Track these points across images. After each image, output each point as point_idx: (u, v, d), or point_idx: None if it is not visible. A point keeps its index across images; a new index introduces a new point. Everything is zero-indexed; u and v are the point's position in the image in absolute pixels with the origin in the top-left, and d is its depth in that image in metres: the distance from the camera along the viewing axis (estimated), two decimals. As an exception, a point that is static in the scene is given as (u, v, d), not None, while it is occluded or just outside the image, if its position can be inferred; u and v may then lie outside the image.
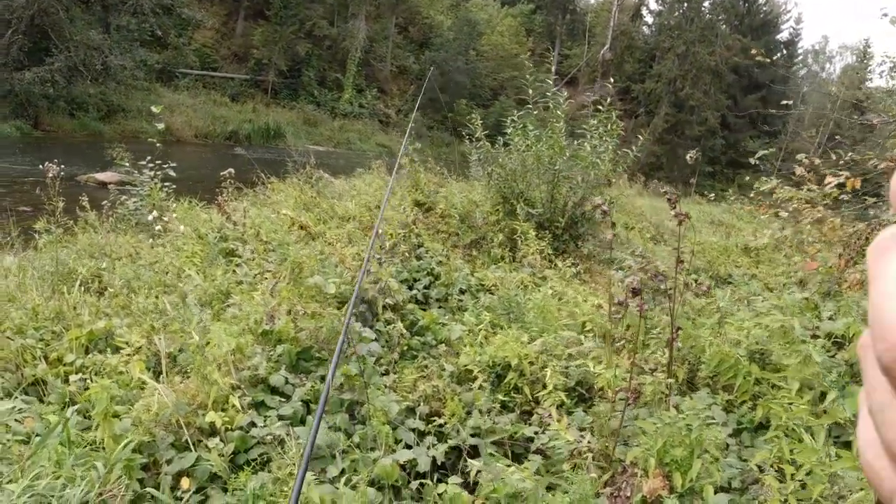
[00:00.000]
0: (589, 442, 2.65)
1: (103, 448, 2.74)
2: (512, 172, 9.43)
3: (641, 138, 9.62)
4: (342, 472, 2.70)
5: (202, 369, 3.02)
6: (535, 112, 9.84)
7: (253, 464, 2.74)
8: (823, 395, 3.42)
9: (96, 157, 17.44)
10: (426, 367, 4.15)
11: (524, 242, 7.43)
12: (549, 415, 3.31)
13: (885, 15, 9.22)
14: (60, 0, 23.80)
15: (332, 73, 40.50)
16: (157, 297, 4.48)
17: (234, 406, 2.91)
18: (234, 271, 4.76)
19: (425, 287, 5.79)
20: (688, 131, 43.62)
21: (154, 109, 8.15)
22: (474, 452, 3.24)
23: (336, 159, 28.59)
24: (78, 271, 5.12)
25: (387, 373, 3.99)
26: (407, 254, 6.15)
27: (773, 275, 10.02)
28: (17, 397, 3.57)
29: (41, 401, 3.63)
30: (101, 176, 17.02)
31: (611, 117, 9.37)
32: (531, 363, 3.74)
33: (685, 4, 47.30)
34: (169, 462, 2.73)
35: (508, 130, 9.68)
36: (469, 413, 3.43)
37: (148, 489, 2.61)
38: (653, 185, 28.39)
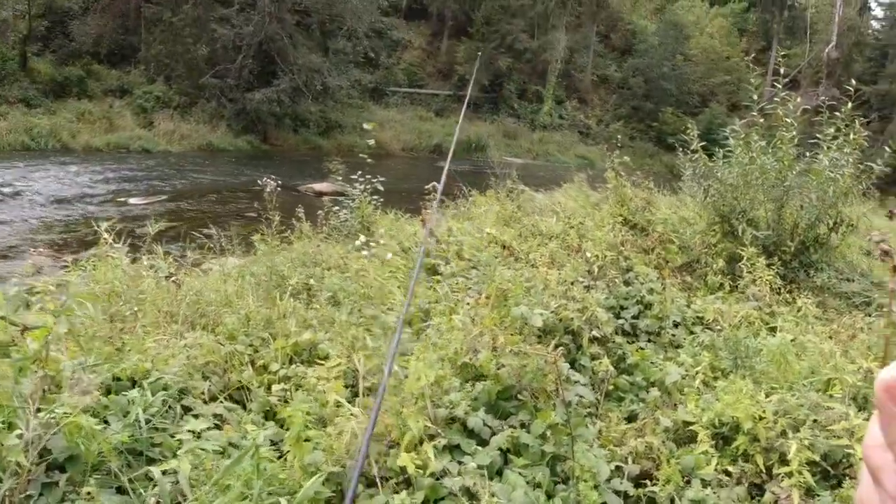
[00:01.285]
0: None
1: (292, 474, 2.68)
2: (732, 188, 8.46)
3: (889, 149, 8.16)
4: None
5: (397, 406, 2.87)
6: (759, 119, 8.76)
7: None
8: None
9: (316, 168, 18.96)
10: (636, 414, 3.67)
11: (749, 270, 6.56)
12: (788, 496, 2.70)
13: None
14: (284, 27, 26.50)
15: (532, 86, 40.62)
16: (359, 310, 4.48)
17: (427, 451, 2.71)
18: (434, 289, 4.64)
19: (634, 317, 5.26)
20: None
21: (366, 126, 8.52)
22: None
23: (535, 171, 28.46)
24: (289, 279, 5.34)
25: (590, 415, 3.59)
26: (615, 279, 5.66)
27: None
28: (221, 402, 3.72)
29: (244, 407, 3.74)
30: (319, 186, 18.46)
31: (853, 124, 8.05)
32: (767, 427, 3.11)
33: (922, -7, 40.76)
34: (355, 501, 2.59)
35: (730, 141, 8.71)
36: (688, 482, 2.91)
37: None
38: (891, 203, 24.63)
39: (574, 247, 6.49)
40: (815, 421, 3.23)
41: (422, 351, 3.27)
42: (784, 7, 46.29)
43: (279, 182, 7.04)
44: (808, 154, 8.52)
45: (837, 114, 8.26)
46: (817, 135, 8.43)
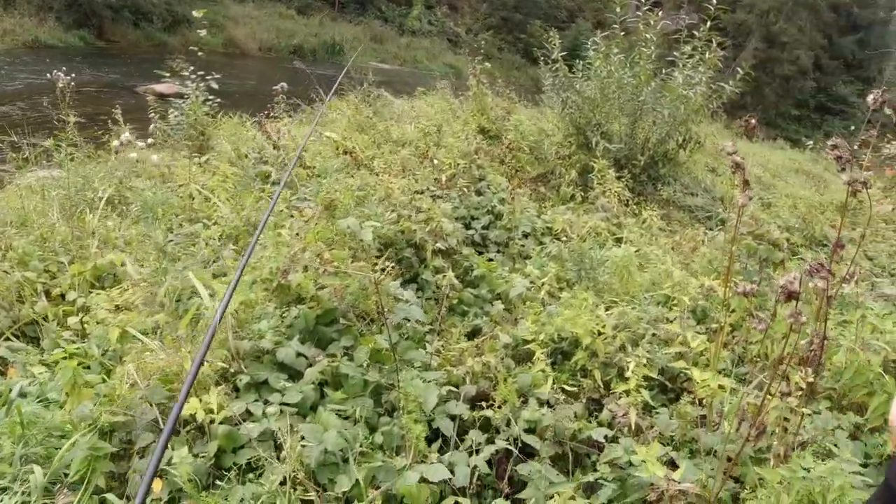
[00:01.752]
0: (682, 485, 1.93)
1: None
2: (590, 101, 8.40)
3: (741, 70, 8.39)
4: (355, 484, 2.07)
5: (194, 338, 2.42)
6: (620, 33, 8.68)
7: (242, 469, 2.14)
8: None
9: (159, 67, 17.03)
10: (480, 329, 3.46)
11: (600, 181, 6.54)
12: (625, 414, 2.60)
13: None
14: None
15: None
16: (179, 225, 3.89)
17: (222, 390, 2.30)
18: (266, 200, 4.11)
19: (484, 227, 5.05)
20: (777, 69, 40.33)
21: (196, 14, 7.44)
22: (526, 452, 2.58)
23: (402, 78, 27.57)
24: (99, 192, 4.58)
25: (431, 331, 3.34)
26: (466, 188, 5.39)
27: (873, 240, 8.83)
28: (8, 339, 3.09)
29: (38, 344, 3.14)
30: (160, 87, 16.54)
31: (709, 45, 8.16)
32: (606, 342, 3.00)
33: (787, -72, 43.00)
34: (142, 455, 2.16)
35: (589, 53, 8.59)
36: (525, 401, 2.75)
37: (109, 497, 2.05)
38: (736, 125, 26.44)
39: (428, 154, 6.12)
40: (654, 335, 3.17)
41: (234, 272, 2.80)
42: (652, -72, 46.84)
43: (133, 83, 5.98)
44: (664, 72, 8.59)
45: (695, 33, 8.33)
46: (675, 53, 8.49)
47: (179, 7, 26.60)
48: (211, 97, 7.11)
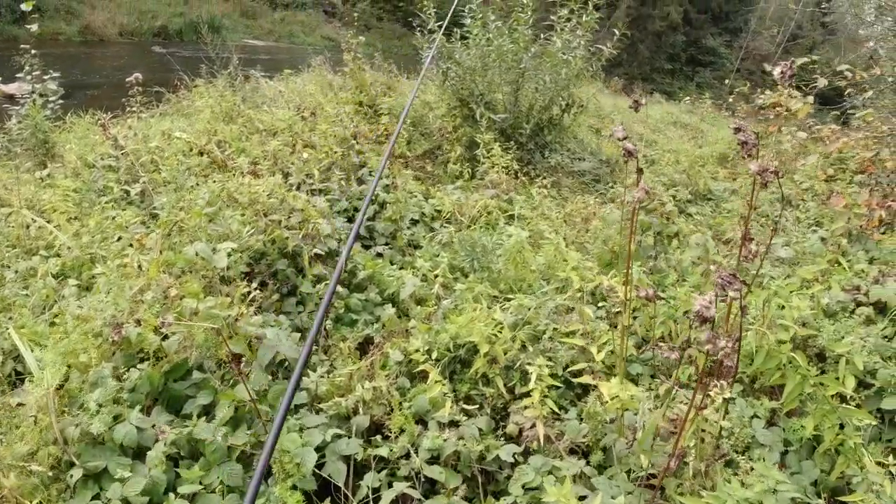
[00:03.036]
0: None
1: None
2: (470, 71, 8.13)
3: (618, 32, 8.37)
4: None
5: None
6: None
7: None
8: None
9: (7, 65, 15.21)
10: (371, 339, 3.14)
11: (487, 156, 6.32)
12: (532, 426, 2.37)
13: None
14: None
15: (272, -43, 36.96)
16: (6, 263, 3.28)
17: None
18: (113, 220, 3.53)
19: (370, 219, 4.68)
20: (649, 26, 41.83)
21: (24, 7, 6.52)
22: (433, 484, 2.30)
23: (277, 55, 26.35)
24: None
25: (316, 351, 2.98)
26: (345, 178, 4.98)
27: (750, 187, 9.16)
28: None
29: None
30: (9, 88, 14.71)
31: (586, 7, 8.06)
32: (505, 346, 2.75)
33: None
34: None
35: (467, 21, 8.30)
36: (425, 425, 2.46)
37: None
38: (614, 83, 27.11)
39: (303, 143, 5.64)
40: (555, 329, 2.95)
41: (56, 334, 2.32)
42: None
43: None
44: (542, 37, 8.45)
45: (567, -3, 8.22)
46: (552, 18, 8.36)
47: (30, -6, 23.99)
48: (52, 98, 6.30)
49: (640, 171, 1.97)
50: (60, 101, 6.26)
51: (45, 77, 6.10)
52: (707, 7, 45.80)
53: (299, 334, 2.96)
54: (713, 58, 46.79)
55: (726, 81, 45.00)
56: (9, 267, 3.32)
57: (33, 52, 6.53)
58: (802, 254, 4.17)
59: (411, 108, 8.78)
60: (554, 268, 3.57)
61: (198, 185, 4.06)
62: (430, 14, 8.00)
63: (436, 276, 3.78)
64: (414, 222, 4.86)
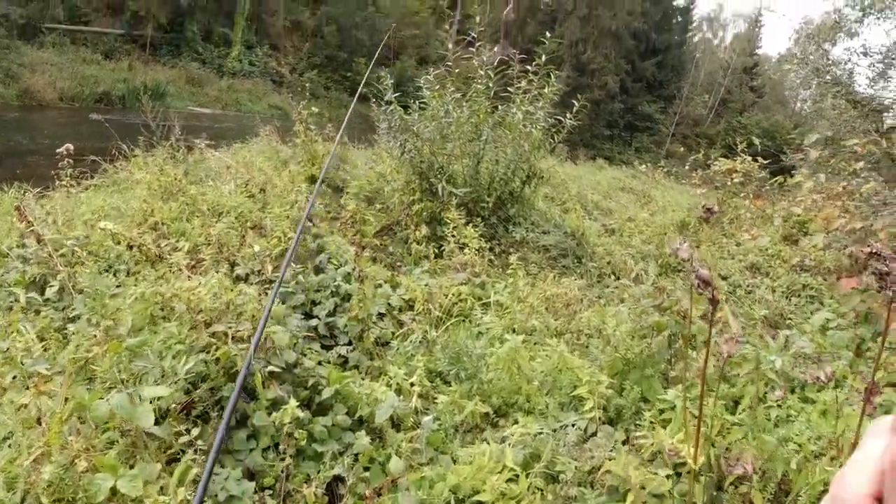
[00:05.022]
0: None
1: None
2: (429, 143, 7.79)
3: (577, 103, 8.21)
4: None
5: None
6: (455, 70, 8.21)
7: None
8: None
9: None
10: (342, 478, 2.53)
11: (453, 234, 5.86)
12: None
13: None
14: None
15: (219, 28, 36.94)
16: None
17: None
18: (22, 342, 2.86)
19: (329, 314, 4.11)
20: (588, 94, 43.34)
21: None
22: None
23: (223, 123, 25.90)
24: None
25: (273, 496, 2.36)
26: (303, 266, 4.42)
27: (718, 257, 9.02)
28: None
29: None
30: None
31: (549, 79, 7.89)
32: (519, 497, 2.21)
33: (588, -34, 46.75)
34: None
35: (424, 93, 8.01)
36: None
37: None
38: (559, 149, 27.51)
39: (252, 225, 5.09)
40: (576, 468, 2.42)
41: None
42: (467, -32, 49.11)
43: None
44: (499, 108, 8.23)
45: (529, 68, 8.06)
46: (508, 89, 8.16)
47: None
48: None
49: (714, 301, 1.51)
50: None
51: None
52: (642, 76, 48.17)
53: (252, 483, 2.34)
54: (649, 123, 48.93)
55: (664, 148, 46.83)
56: None
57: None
58: (822, 347, 3.81)
59: (367, 181, 8.35)
60: (557, 378, 3.07)
61: (123, 286, 3.45)
62: (386, 86, 7.67)
63: (412, 386, 3.23)
64: (381, 316, 4.31)
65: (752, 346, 4.08)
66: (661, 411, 2.57)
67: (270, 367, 2.85)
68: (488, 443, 2.46)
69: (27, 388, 2.21)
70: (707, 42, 58.54)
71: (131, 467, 2.07)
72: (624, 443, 2.73)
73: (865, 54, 15.72)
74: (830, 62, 16.34)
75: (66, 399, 2.16)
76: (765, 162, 12.21)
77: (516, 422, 2.61)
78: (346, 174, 8.00)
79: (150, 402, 2.20)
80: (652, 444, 2.34)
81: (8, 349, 2.68)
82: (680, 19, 53.19)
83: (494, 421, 2.93)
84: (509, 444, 2.46)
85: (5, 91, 23.74)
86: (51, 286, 3.39)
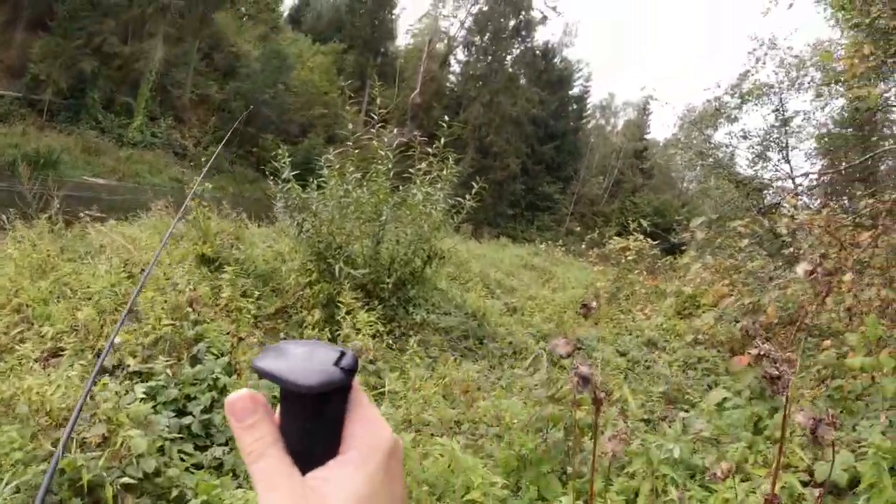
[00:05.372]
0: None
1: None
2: (328, 222, 7.64)
3: (476, 185, 8.35)
4: None
5: None
6: (354, 150, 8.21)
7: None
8: None
9: None
10: None
11: (348, 319, 5.66)
12: None
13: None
14: None
15: (122, 97, 35.89)
16: None
17: None
18: None
19: (205, 410, 3.77)
20: (491, 175, 45.16)
21: None
22: None
23: (120, 195, 24.79)
24: None
25: None
26: (177, 355, 4.09)
27: (616, 333, 9.23)
28: None
29: None
30: None
31: (447, 161, 8.02)
32: None
33: (489, 57, 49.42)
34: None
35: (324, 172, 7.92)
36: None
37: None
38: (464, 227, 28.13)
39: (125, 305, 4.71)
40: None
41: None
42: (378, 53, 50.74)
43: None
44: (401, 188, 8.26)
45: (430, 150, 8.18)
46: (410, 170, 8.23)
47: None
48: None
49: (598, 401, 1.43)
50: None
51: None
52: (542, 159, 50.75)
53: None
54: (550, 203, 51.27)
55: (564, 226, 48.85)
56: None
57: None
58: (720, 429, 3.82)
59: (265, 259, 8.06)
60: (449, 480, 2.88)
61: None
62: (284, 163, 7.54)
63: None
64: (263, 409, 4.00)
65: (646, 434, 4.07)
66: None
67: (124, 479, 2.52)
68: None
69: None
70: (600, 128, 62.61)
71: None
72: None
73: (745, 137, 17.10)
74: (713, 146, 17.69)
75: None
76: (654, 243, 12.83)
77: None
78: (240, 253, 7.68)
79: None
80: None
81: None
82: (575, 107, 56.84)
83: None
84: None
85: None
86: None
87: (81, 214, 8.84)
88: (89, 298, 4.86)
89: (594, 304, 2.14)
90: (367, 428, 0.52)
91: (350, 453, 0.51)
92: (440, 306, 8.49)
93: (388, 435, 0.52)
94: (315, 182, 7.96)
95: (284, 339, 6.28)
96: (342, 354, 0.52)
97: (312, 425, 0.52)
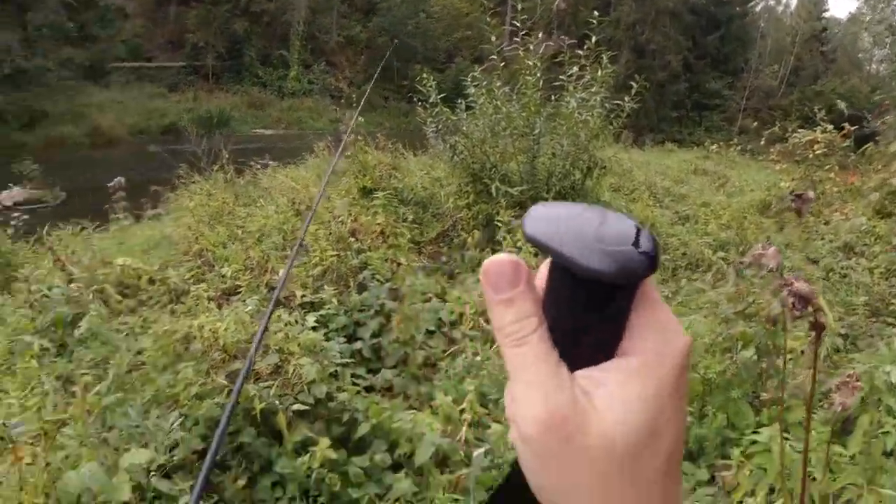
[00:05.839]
0: None
1: None
2: (480, 142, 7.44)
3: (635, 84, 7.66)
4: None
5: None
6: (501, 65, 7.83)
7: None
8: None
9: (9, 172, 14.87)
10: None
11: (508, 237, 5.49)
12: None
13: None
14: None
15: (276, 51, 37.81)
16: None
17: None
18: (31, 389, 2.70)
19: (374, 334, 3.82)
20: (651, 77, 42.12)
21: None
22: None
23: (287, 143, 26.31)
24: None
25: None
26: (344, 283, 4.17)
27: (804, 237, 8.24)
28: None
29: None
30: (6, 196, 14.11)
31: (600, 62, 7.41)
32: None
33: (640, -55, 45.37)
34: None
35: (471, 91, 7.66)
36: None
37: None
38: (624, 136, 26.73)
39: (296, 242, 4.89)
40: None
41: None
42: (516, -36, 48.66)
43: None
44: (553, 99, 7.81)
45: (580, 52, 7.59)
46: (561, 77, 7.72)
47: (38, 102, 24.26)
48: (17, 213, 5.68)
49: (819, 327, 1.12)
50: (25, 217, 5.61)
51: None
52: (705, 52, 46.20)
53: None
54: (718, 100, 46.87)
55: (736, 124, 44.70)
56: None
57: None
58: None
59: (422, 186, 8.09)
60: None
61: (147, 324, 3.27)
62: (430, 87, 7.38)
63: (462, 412, 2.89)
64: (431, 333, 3.99)
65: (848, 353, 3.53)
66: (753, 442, 2.13)
67: (296, 406, 2.57)
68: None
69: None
70: (771, 10, 55.68)
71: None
72: (709, 481, 2.30)
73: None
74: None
75: (48, 465, 1.94)
76: (851, 129, 11.13)
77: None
78: (398, 182, 7.75)
79: (126, 482, 1.93)
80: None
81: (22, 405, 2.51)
82: (740, -12, 50.87)
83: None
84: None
85: (76, 131, 24.87)
86: (78, 327, 3.26)
87: (252, 163, 9.44)
88: (260, 238, 5.11)
89: (811, 194, 1.71)
90: (658, 331, 0.40)
91: (632, 359, 0.39)
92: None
93: (683, 345, 0.40)
94: (462, 103, 7.76)
95: (447, 261, 6.29)
96: (638, 232, 0.37)
97: (589, 317, 0.39)
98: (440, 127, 7.65)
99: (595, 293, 0.38)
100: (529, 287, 0.39)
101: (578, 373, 0.39)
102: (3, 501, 1.87)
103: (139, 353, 2.91)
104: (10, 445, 1.96)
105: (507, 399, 0.41)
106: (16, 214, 5.75)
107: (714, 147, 23.15)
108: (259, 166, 9.49)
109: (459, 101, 7.82)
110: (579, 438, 0.37)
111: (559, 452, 0.37)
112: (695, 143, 32.88)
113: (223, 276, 4.57)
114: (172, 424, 2.20)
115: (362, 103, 4.83)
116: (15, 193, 14.13)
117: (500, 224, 5.64)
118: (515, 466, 0.42)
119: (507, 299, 0.39)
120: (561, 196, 7.60)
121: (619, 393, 0.38)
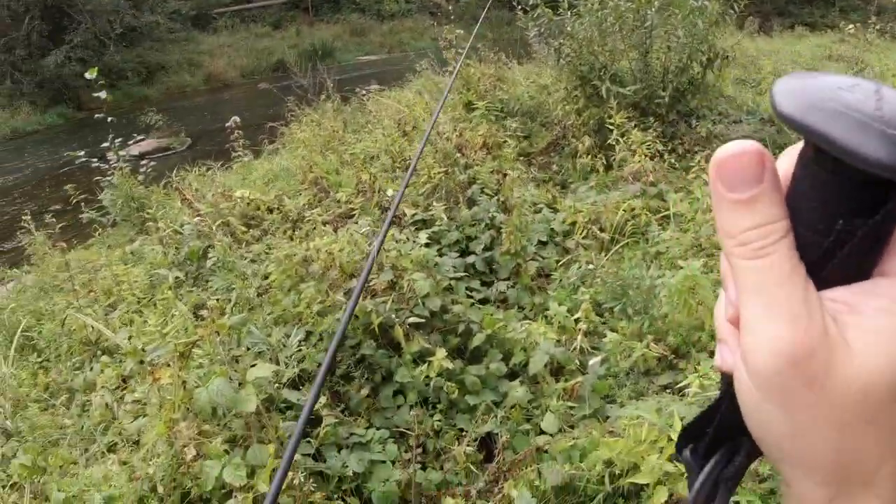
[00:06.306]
0: None
1: None
2: (587, 42, 7.03)
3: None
4: None
5: None
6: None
7: None
8: None
9: (137, 125, 16.02)
10: (496, 436, 2.27)
11: (622, 141, 5.23)
12: None
13: None
14: (63, -30, 22.14)
15: (370, -26, 37.33)
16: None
17: None
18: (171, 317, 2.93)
19: (486, 248, 3.82)
20: (776, -48, 37.82)
21: (87, 75, 6.38)
22: None
23: (392, 66, 26.27)
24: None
25: (429, 460, 2.17)
26: (454, 199, 4.16)
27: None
28: None
29: None
30: (138, 147, 15.18)
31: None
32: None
33: None
34: None
35: (574, -13, 7.20)
36: None
37: None
38: (748, 22, 24.36)
39: (402, 163, 4.91)
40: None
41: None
42: None
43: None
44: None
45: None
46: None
47: (152, 56, 25.68)
48: (145, 160, 6.08)
49: None
50: (153, 163, 6.00)
51: (130, 143, 5.89)
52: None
53: (397, 445, 2.17)
54: (852, -24, 41.45)
55: (874, 3, 39.46)
56: (67, 374, 2.85)
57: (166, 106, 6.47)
58: None
59: (529, 95, 7.85)
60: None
61: (269, 250, 3.43)
62: (529, -12, 7.01)
63: (577, 322, 2.86)
64: (543, 244, 3.93)
65: None
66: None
67: (412, 319, 2.64)
68: (657, 402, 2.02)
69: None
70: None
71: (247, 448, 1.99)
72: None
73: None
74: None
75: (184, 383, 2.12)
76: None
77: (697, 365, 2.13)
78: (503, 94, 7.55)
79: (253, 393, 2.07)
80: None
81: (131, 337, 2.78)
82: None
83: (673, 362, 2.46)
84: (685, 401, 2.00)
85: (192, 79, 26.15)
86: (210, 258, 3.49)
87: (358, 90, 9.52)
88: (370, 159, 5.18)
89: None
90: None
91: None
92: (728, 115, 7.48)
93: None
94: (566, 1, 7.32)
95: (558, 171, 6.11)
96: None
97: (852, 224, 0.31)
98: (543, 30, 7.29)
99: (865, 192, 0.30)
100: (775, 184, 0.32)
101: (826, 293, 0.32)
102: (147, 418, 2.08)
103: (265, 277, 3.09)
104: (149, 368, 2.17)
105: (718, 316, 0.35)
106: (144, 162, 6.15)
107: (851, 28, 20.61)
108: (364, 92, 9.57)
109: (562, 0, 7.40)
110: (824, 379, 0.30)
111: (796, 394, 0.31)
112: (828, 25, 29.32)
113: (338, 201, 4.70)
114: (296, 340, 2.34)
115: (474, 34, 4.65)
116: (145, 144, 15.17)
117: (611, 127, 5.37)
118: (725, 393, 0.36)
119: (747, 199, 0.32)
120: (678, 93, 7.11)
121: (879, 324, 0.30)
